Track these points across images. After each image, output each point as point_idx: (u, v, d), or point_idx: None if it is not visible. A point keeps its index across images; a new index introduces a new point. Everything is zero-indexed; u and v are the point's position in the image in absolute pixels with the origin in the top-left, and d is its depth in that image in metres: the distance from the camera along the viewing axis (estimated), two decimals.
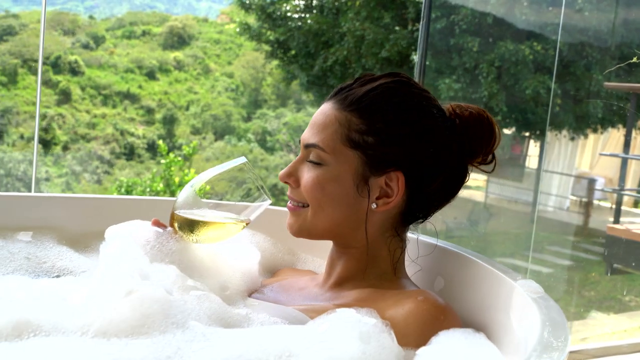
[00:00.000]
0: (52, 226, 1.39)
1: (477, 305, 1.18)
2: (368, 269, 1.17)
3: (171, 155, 10.61)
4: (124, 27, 19.07)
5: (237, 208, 1.21)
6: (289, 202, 1.21)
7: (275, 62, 10.79)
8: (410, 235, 1.25)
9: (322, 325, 0.93)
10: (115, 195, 1.36)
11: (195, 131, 17.63)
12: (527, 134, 8.24)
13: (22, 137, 15.94)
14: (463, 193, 1.23)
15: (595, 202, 7.83)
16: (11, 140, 15.85)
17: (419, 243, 1.32)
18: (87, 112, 17.14)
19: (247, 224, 1.22)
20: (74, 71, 17.34)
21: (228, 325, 1.01)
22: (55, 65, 17.13)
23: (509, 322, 1.07)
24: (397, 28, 8.59)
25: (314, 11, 10.14)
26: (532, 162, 8.76)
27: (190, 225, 1.18)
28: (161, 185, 10.62)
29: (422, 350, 0.92)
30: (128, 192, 11.48)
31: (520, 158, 8.73)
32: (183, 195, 1.20)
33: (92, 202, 1.49)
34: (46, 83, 16.78)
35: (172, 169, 10.45)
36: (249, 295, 1.24)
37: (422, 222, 1.23)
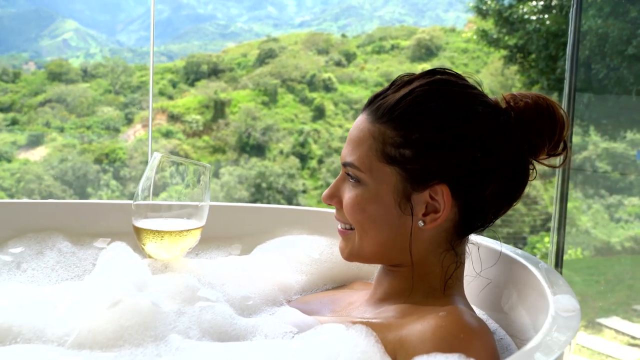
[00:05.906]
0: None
1: (524, 319, 1.04)
2: (415, 286, 1.07)
3: None
4: (373, 42, 19.61)
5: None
6: (338, 225, 1.14)
7: (514, 68, 10.40)
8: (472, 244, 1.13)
9: (297, 343, 0.87)
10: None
11: None
12: None
13: (281, 152, 17.05)
14: None
15: None
16: (272, 156, 17.03)
17: (491, 252, 1.19)
18: (340, 126, 17.88)
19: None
20: (328, 88, 18.19)
21: (226, 338, 0.97)
22: (311, 83, 18.12)
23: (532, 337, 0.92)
24: None
25: (553, 11, 9.64)
26: None
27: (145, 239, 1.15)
28: None
29: None
30: None
31: None
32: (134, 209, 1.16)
33: None
34: (302, 100, 17.81)
35: None
36: (289, 302, 1.21)
37: (482, 230, 1.11)
